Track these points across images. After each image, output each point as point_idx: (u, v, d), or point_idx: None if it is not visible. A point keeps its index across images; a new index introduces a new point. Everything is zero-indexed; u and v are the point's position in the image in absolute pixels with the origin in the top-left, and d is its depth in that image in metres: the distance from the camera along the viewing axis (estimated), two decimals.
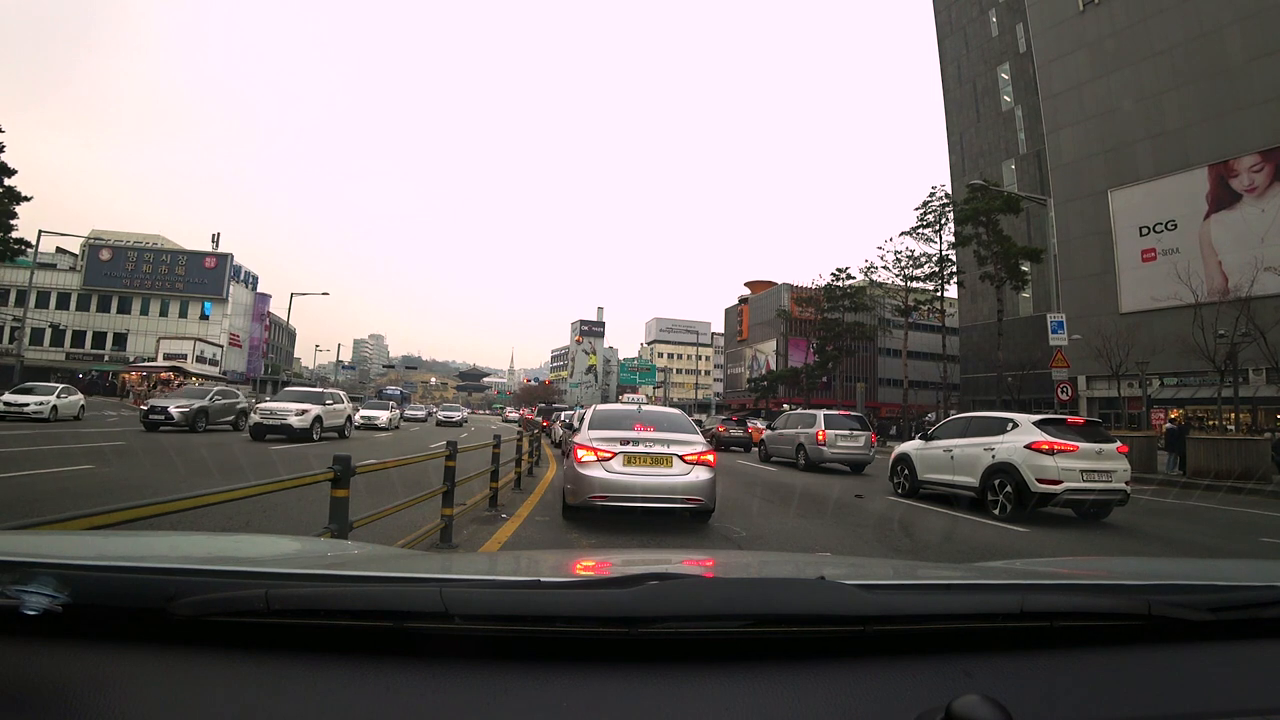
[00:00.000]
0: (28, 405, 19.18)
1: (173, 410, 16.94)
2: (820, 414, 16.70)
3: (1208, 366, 20.92)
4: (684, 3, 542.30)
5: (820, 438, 15.56)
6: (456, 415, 38.25)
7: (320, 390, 20.20)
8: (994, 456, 8.85)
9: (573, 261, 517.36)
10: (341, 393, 21.39)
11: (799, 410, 21.86)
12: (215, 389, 20.86)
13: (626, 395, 60.95)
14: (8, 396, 19.72)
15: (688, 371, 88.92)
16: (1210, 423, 24.30)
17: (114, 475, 8.56)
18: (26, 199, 30.62)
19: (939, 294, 40.33)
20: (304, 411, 16.60)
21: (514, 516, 7.07)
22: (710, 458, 6.59)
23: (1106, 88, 31.50)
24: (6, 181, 29.88)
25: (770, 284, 65.20)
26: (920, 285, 40.81)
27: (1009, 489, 8.48)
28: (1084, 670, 0.95)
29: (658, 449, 6.46)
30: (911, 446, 11.09)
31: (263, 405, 17.78)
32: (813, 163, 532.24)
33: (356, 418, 26.98)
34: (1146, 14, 29.92)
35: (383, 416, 26.59)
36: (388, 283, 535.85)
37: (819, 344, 47.98)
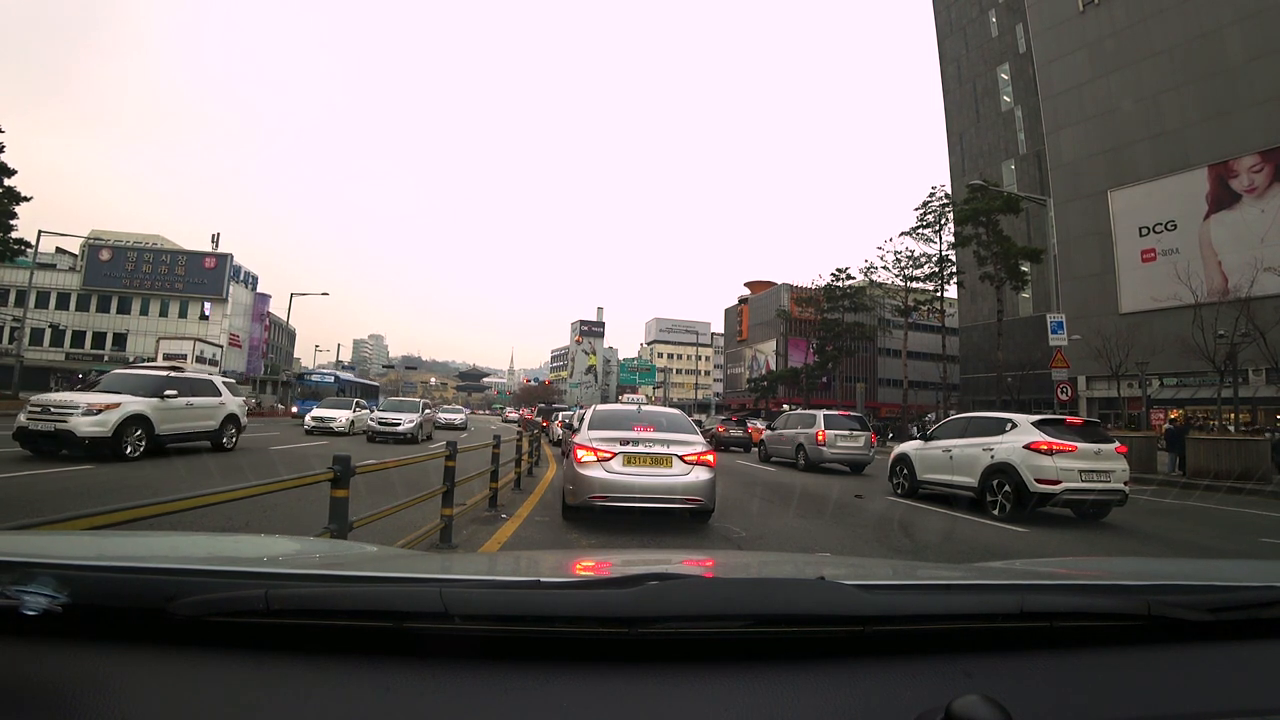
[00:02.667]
0: None
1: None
2: (820, 414, 16.71)
3: (1208, 367, 20.92)
4: (685, 3, 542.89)
5: (820, 438, 15.57)
6: (403, 421, 19.55)
7: (165, 375, 12.22)
8: (993, 457, 8.86)
9: (573, 261, 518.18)
10: (218, 379, 13.89)
11: (799, 410, 21.86)
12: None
13: (626, 395, 60.84)
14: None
15: (688, 371, 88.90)
16: (1210, 423, 24.30)
17: (114, 475, 8.55)
18: (26, 199, 30.61)
19: (939, 294, 40.40)
20: (101, 409, 10.01)
21: (514, 517, 7.07)
22: (710, 458, 6.59)
23: (1106, 88, 31.51)
24: (6, 181, 29.86)
25: (770, 284, 65.21)
26: (920, 285, 40.93)
27: (1008, 489, 8.49)
28: (1084, 670, 0.95)
29: (657, 449, 6.46)
30: (911, 447, 11.10)
31: (38, 398, 10.81)
32: (813, 163, 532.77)
33: (308, 420, 21.11)
34: (1146, 14, 29.93)
35: (340, 418, 20.64)
36: (388, 283, 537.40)
37: (819, 344, 48.03)
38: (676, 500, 6.40)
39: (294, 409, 32.93)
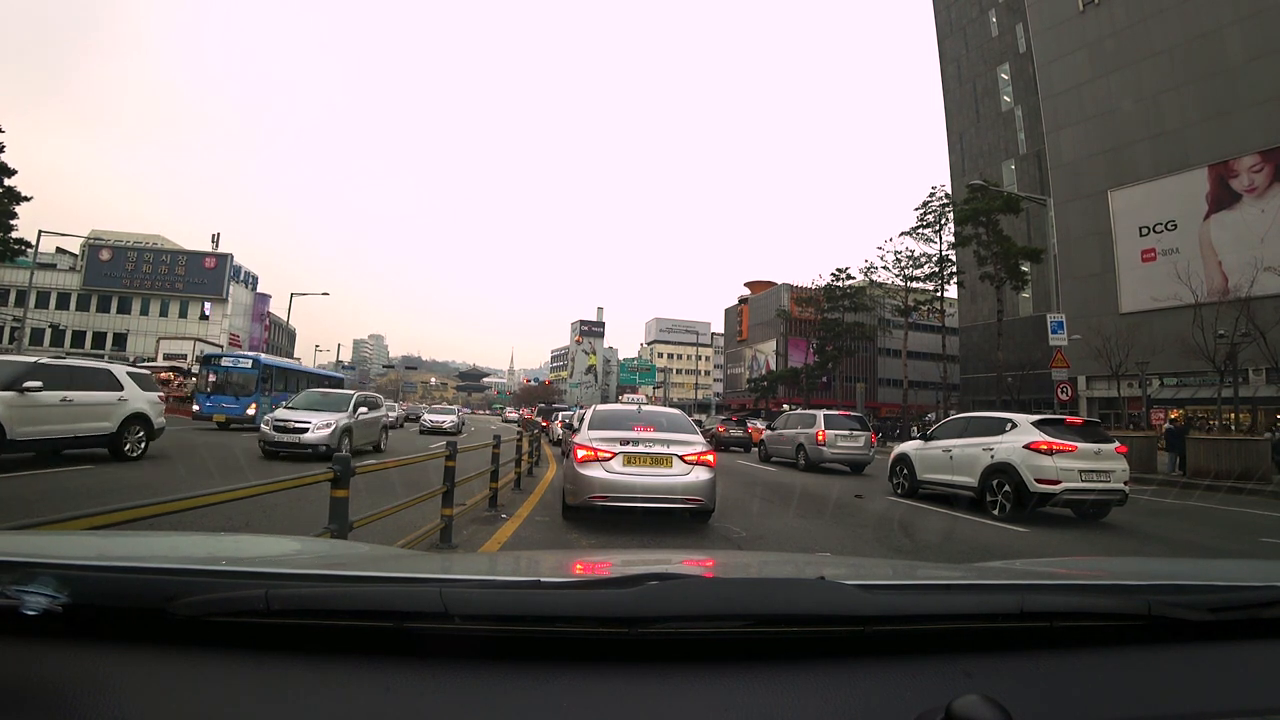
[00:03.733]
0: None
1: None
2: (820, 414, 16.71)
3: (1208, 366, 20.91)
4: (684, 3, 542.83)
5: (820, 438, 15.57)
6: (313, 425, 12.29)
7: (31, 362, 9.30)
8: (993, 456, 8.86)
9: (573, 261, 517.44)
10: (119, 369, 10.90)
11: (799, 410, 21.86)
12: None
13: (626, 395, 60.89)
14: None
15: (688, 371, 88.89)
16: (1211, 423, 24.29)
17: (114, 475, 8.55)
18: (26, 199, 30.65)
19: (939, 294, 40.41)
20: None
21: (514, 517, 7.07)
22: (710, 458, 6.60)
23: (1106, 88, 31.51)
24: (6, 181, 29.90)
25: (770, 284, 65.21)
26: (920, 285, 40.94)
27: (1008, 489, 8.49)
28: (1084, 670, 0.95)
29: (658, 449, 6.47)
30: (911, 446, 11.10)
31: None
32: (813, 163, 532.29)
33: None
34: (1146, 14, 29.93)
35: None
36: (388, 283, 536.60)
37: (819, 344, 48.05)
38: (677, 500, 6.41)
39: (195, 407, 22.16)
